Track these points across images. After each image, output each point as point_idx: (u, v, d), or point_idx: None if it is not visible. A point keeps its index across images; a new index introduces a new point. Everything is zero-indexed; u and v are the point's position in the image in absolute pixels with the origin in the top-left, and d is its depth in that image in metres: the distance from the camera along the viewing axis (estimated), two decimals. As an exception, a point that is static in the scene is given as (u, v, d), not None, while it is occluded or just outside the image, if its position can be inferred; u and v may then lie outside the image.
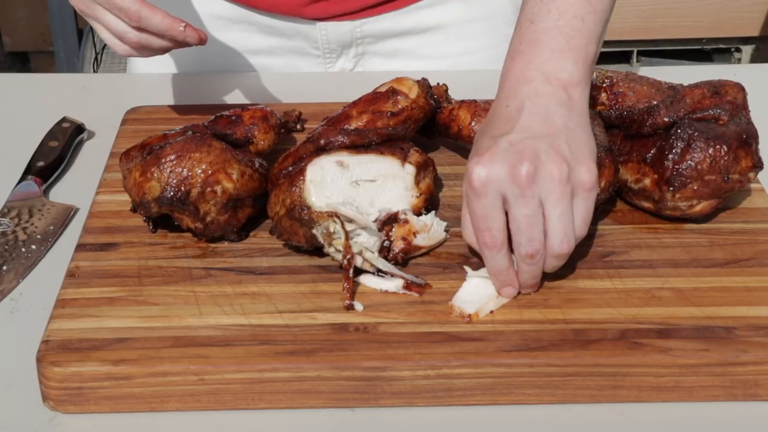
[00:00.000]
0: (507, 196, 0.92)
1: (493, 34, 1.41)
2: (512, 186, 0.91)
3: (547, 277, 0.99)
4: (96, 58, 2.48)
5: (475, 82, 1.33)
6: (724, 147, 1.04)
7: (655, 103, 1.10)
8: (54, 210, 1.14)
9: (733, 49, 3.09)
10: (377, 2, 1.35)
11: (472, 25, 1.40)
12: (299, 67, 1.41)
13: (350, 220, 1.00)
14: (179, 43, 1.10)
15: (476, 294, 0.96)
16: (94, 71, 2.70)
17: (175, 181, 1.01)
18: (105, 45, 2.47)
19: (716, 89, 1.09)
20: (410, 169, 1.04)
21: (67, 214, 1.13)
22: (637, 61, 3.11)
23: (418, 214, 1.04)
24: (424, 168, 1.06)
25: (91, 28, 2.09)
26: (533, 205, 0.91)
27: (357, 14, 1.36)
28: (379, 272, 0.99)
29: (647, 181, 1.07)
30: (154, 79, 1.42)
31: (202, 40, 1.10)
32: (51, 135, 1.23)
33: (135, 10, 1.06)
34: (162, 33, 1.08)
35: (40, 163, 1.19)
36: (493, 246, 0.94)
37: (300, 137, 1.22)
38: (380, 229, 1.01)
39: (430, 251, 1.04)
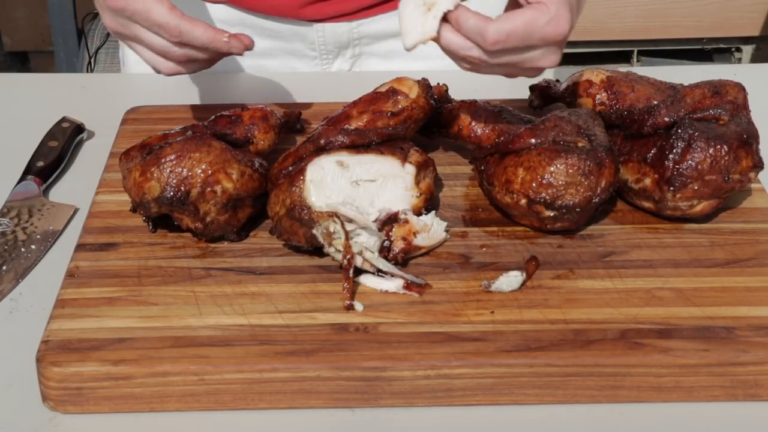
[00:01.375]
0: None
1: None
2: None
3: (547, 277, 0.99)
4: (89, 63, 2.48)
5: (475, 82, 1.33)
6: (725, 147, 1.04)
7: (655, 103, 1.10)
8: (54, 210, 1.14)
9: (733, 49, 3.09)
10: (374, 3, 1.35)
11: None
12: (296, 68, 1.41)
13: (350, 220, 1.00)
14: (223, 54, 1.08)
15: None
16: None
17: (174, 181, 1.01)
18: (98, 48, 2.47)
19: (717, 89, 1.08)
20: (410, 169, 1.04)
21: (67, 214, 1.13)
22: (637, 61, 3.11)
23: (418, 214, 1.04)
24: (424, 168, 1.06)
25: (90, 30, 2.08)
26: None
27: (354, 15, 1.36)
28: (379, 272, 0.99)
29: (647, 181, 1.07)
30: (154, 79, 1.42)
31: (249, 47, 1.08)
32: (51, 135, 1.23)
33: (175, 24, 1.04)
34: (205, 46, 1.06)
35: (40, 163, 1.19)
36: None
37: (300, 137, 1.22)
38: (380, 229, 1.01)
39: (430, 251, 1.04)
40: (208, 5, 1.36)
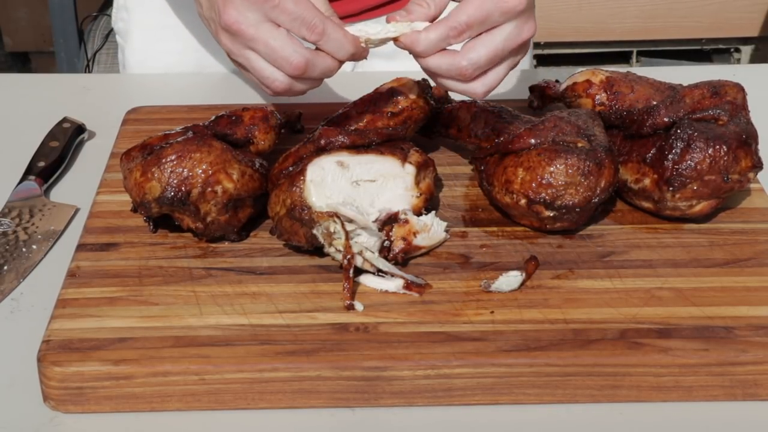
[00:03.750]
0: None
1: None
2: None
3: (546, 277, 0.99)
4: (90, 63, 2.48)
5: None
6: (724, 147, 1.04)
7: (654, 103, 1.10)
8: (55, 210, 1.14)
9: (732, 50, 3.10)
10: (377, 4, 1.35)
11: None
12: None
13: (350, 220, 1.00)
14: (342, 64, 1.01)
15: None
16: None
17: (175, 181, 1.01)
18: (98, 49, 2.47)
19: (716, 89, 1.09)
20: (410, 169, 1.05)
21: (68, 214, 1.13)
22: (637, 61, 3.12)
23: (418, 214, 1.04)
24: (424, 168, 1.06)
25: (91, 30, 2.07)
26: None
27: (357, 16, 1.36)
28: (379, 272, 0.99)
29: (647, 181, 1.07)
30: (154, 79, 1.42)
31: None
32: (51, 135, 1.23)
33: (320, 22, 0.97)
34: (345, 49, 0.99)
35: (41, 164, 1.19)
36: None
37: (300, 137, 1.22)
38: (380, 229, 1.01)
39: (430, 251, 1.04)
40: None
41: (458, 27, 0.98)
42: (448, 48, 1.00)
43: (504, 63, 1.01)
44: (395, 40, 1.01)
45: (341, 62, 1.01)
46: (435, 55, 1.00)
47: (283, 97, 1.02)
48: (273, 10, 0.97)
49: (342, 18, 1.35)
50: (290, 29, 0.98)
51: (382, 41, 1.02)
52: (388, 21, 1.01)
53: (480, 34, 0.99)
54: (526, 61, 1.55)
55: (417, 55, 1.01)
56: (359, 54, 1.01)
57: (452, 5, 1.01)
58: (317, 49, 1.00)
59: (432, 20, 1.01)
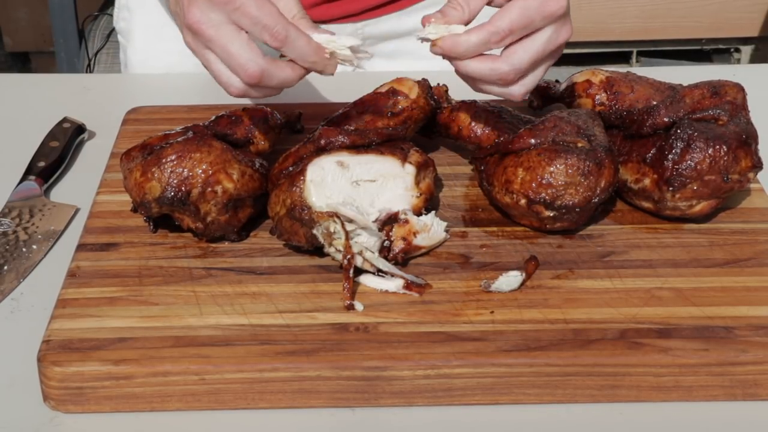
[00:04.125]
0: None
1: None
2: None
3: (546, 276, 0.99)
4: (90, 63, 2.48)
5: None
6: (724, 147, 1.04)
7: (654, 103, 1.10)
8: (55, 210, 1.14)
9: (732, 50, 3.10)
10: (379, 4, 1.35)
11: (472, 24, 1.40)
12: None
13: (350, 220, 1.00)
14: (303, 75, 0.99)
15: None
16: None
17: (175, 181, 1.01)
18: (99, 49, 2.47)
19: (716, 89, 1.09)
20: (410, 169, 1.05)
21: (68, 214, 1.13)
22: (637, 62, 3.12)
23: (418, 214, 1.04)
24: (424, 168, 1.06)
25: (91, 30, 2.07)
26: None
27: (359, 16, 1.36)
28: (379, 272, 0.99)
29: (647, 181, 1.07)
30: (154, 79, 1.42)
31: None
32: (52, 135, 1.23)
33: (282, 27, 0.95)
34: (306, 58, 0.97)
35: (41, 164, 1.19)
36: None
37: (300, 137, 1.22)
38: (380, 229, 1.01)
39: (430, 251, 1.04)
40: None
41: (501, 32, 0.98)
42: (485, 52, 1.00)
43: (542, 65, 1.01)
44: (432, 44, 1.00)
45: (304, 72, 0.99)
46: (475, 59, 0.99)
47: (253, 97, 1.01)
48: (234, 12, 0.95)
49: (342, 18, 1.36)
50: (251, 33, 0.96)
51: (348, 58, 1.00)
52: (423, 23, 1.00)
53: (520, 38, 0.99)
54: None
55: (455, 59, 1.00)
56: (322, 64, 0.98)
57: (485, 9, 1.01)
58: (282, 55, 0.99)
59: (466, 24, 1.00)
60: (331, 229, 0.98)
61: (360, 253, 0.99)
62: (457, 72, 1.01)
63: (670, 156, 1.05)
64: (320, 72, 0.99)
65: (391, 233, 1.02)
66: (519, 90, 1.01)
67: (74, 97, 1.37)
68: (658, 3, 2.95)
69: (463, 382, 0.91)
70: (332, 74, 1.00)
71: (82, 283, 0.99)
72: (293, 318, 0.94)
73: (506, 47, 0.99)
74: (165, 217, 1.05)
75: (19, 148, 1.23)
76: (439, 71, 1.30)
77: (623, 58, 3.11)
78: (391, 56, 1.41)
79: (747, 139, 1.06)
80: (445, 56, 1.00)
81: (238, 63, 0.96)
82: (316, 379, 0.90)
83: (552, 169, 1.02)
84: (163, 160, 1.01)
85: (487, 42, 0.98)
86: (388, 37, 1.39)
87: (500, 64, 0.99)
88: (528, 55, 0.99)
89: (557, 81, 1.25)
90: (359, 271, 0.99)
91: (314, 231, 0.99)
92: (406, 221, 1.02)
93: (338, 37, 1.00)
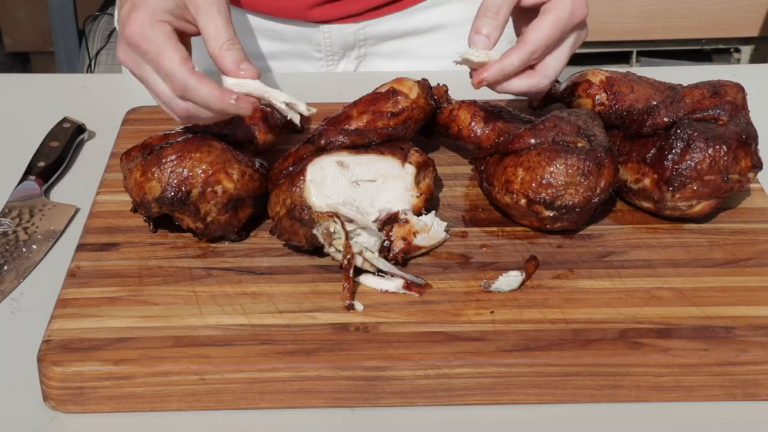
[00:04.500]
0: None
1: None
2: None
3: (546, 276, 0.99)
4: (90, 64, 2.48)
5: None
6: (724, 147, 1.04)
7: (654, 103, 1.10)
8: (55, 210, 1.14)
9: (732, 50, 3.09)
10: (381, 4, 1.35)
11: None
12: (301, 70, 1.41)
13: (350, 220, 1.00)
14: (229, 115, 1.00)
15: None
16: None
17: (175, 181, 1.01)
18: (99, 50, 2.47)
19: (716, 89, 1.09)
20: (410, 169, 1.05)
21: (68, 214, 1.13)
22: (637, 62, 3.11)
23: (418, 214, 1.04)
24: (424, 168, 1.06)
25: (91, 30, 2.08)
26: None
27: (361, 16, 1.36)
28: (379, 272, 0.99)
29: (647, 181, 1.07)
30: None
31: (255, 105, 0.99)
32: (52, 135, 1.23)
33: (182, 77, 0.96)
34: (210, 106, 0.97)
35: (41, 164, 1.19)
36: None
37: (300, 137, 1.22)
38: (380, 229, 1.01)
39: (430, 251, 1.04)
40: None
41: (539, 50, 1.04)
42: None
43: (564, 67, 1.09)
44: (477, 75, 1.04)
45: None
46: (516, 78, 1.05)
47: None
48: (144, 56, 0.98)
49: (344, 18, 1.36)
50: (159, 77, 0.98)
51: (282, 109, 1.00)
52: (471, 44, 1.04)
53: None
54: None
55: (499, 82, 1.05)
56: (228, 109, 0.97)
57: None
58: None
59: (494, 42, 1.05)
60: (331, 229, 0.98)
61: (360, 253, 0.99)
62: (495, 90, 1.06)
63: (670, 156, 1.05)
64: (236, 114, 0.99)
65: (391, 233, 1.02)
66: (546, 86, 1.08)
67: (74, 97, 1.37)
68: (658, 3, 2.94)
69: (463, 382, 0.91)
70: (248, 114, 0.99)
71: (82, 283, 0.99)
72: (293, 318, 0.95)
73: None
74: (165, 217, 1.05)
75: (19, 148, 1.23)
76: (439, 71, 1.30)
77: (623, 58, 3.11)
78: (392, 56, 1.41)
79: (747, 139, 1.06)
80: (488, 83, 1.04)
81: (166, 71, 0.97)
82: (316, 379, 0.90)
83: (552, 169, 1.02)
84: (163, 160, 1.01)
85: (528, 61, 1.04)
86: (389, 37, 1.39)
87: (538, 79, 1.05)
88: (560, 65, 1.06)
89: (557, 81, 1.25)
90: (359, 271, 0.99)
91: (314, 231, 0.99)
92: (406, 221, 1.02)
93: (262, 85, 0.99)
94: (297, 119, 1.01)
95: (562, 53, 1.06)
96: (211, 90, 0.96)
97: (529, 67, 1.06)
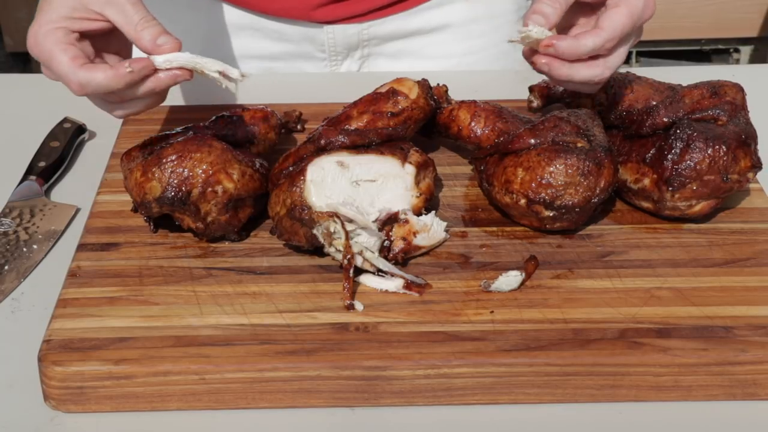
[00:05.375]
0: None
1: (496, 32, 1.42)
2: None
3: (546, 276, 1.00)
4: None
5: (475, 82, 1.33)
6: (723, 147, 1.04)
7: (654, 103, 1.10)
8: (55, 210, 1.14)
9: (731, 50, 3.10)
10: (384, 4, 1.35)
11: (475, 24, 1.41)
12: (305, 70, 1.41)
13: (350, 220, 1.00)
14: (157, 89, 1.00)
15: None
16: None
17: (176, 181, 1.01)
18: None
19: (715, 90, 1.09)
20: (410, 169, 1.05)
21: (69, 214, 1.14)
22: (636, 62, 3.12)
23: (418, 214, 1.04)
24: (424, 168, 1.06)
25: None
26: None
27: (364, 17, 1.36)
28: (379, 272, 0.99)
29: (646, 181, 1.07)
30: (154, 79, 1.42)
31: (183, 78, 0.99)
32: (52, 135, 1.24)
33: (73, 77, 0.98)
34: (112, 88, 0.98)
35: (42, 164, 1.19)
36: None
37: (300, 137, 1.22)
38: (380, 229, 1.02)
39: (430, 251, 1.04)
40: (220, 9, 1.36)
41: (614, 39, 1.02)
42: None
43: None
44: (544, 44, 1.01)
45: (126, 72, 0.98)
46: (584, 65, 1.02)
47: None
48: (43, 64, 1.00)
49: (348, 19, 1.36)
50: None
51: (217, 79, 1.01)
52: (526, 22, 1.02)
53: None
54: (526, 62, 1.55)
55: (565, 59, 1.01)
56: (133, 83, 0.98)
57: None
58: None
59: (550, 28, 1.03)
60: (331, 229, 0.98)
61: (360, 253, 0.99)
62: (555, 76, 1.03)
63: (669, 156, 1.05)
64: (154, 89, 1.00)
65: (391, 233, 1.02)
66: (604, 81, 1.06)
67: (74, 97, 1.37)
68: (658, 3, 2.94)
69: (463, 382, 0.91)
70: (171, 84, 1.00)
71: (83, 283, 0.99)
72: (293, 318, 0.95)
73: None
74: (165, 217, 1.05)
75: (20, 148, 1.23)
76: (439, 71, 1.31)
77: (623, 58, 3.11)
78: (394, 56, 1.41)
79: (746, 139, 1.06)
80: (558, 52, 1.01)
81: (59, 75, 0.99)
82: (316, 379, 0.90)
83: (552, 169, 1.02)
84: (164, 160, 1.01)
85: (600, 49, 1.01)
86: (392, 37, 1.39)
87: (603, 69, 1.03)
88: (621, 60, 1.04)
89: (557, 81, 1.25)
90: (359, 271, 0.99)
91: (314, 231, 0.99)
92: (406, 221, 1.02)
93: (193, 59, 1.00)
94: (232, 87, 1.01)
95: (625, 49, 1.04)
96: (104, 74, 0.97)
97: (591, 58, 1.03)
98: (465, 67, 1.41)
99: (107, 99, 1.02)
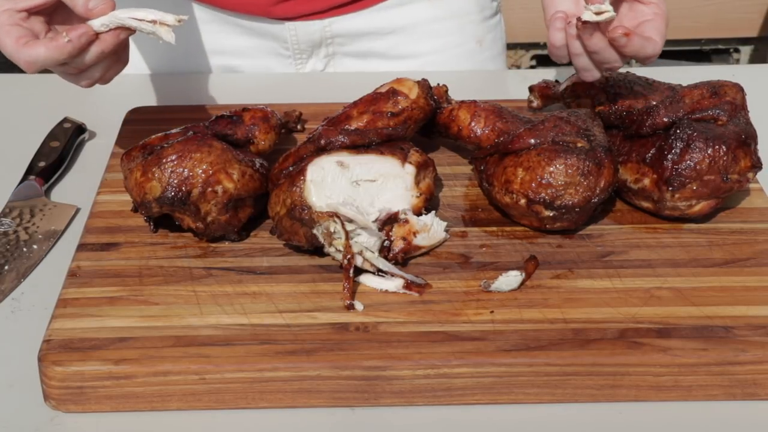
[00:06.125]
0: None
1: (460, 32, 1.42)
2: None
3: (546, 276, 1.00)
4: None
5: (474, 82, 1.33)
6: (723, 147, 1.04)
7: (654, 103, 1.10)
8: (55, 210, 1.14)
9: (731, 50, 3.10)
10: (344, 2, 1.35)
11: (439, 24, 1.41)
12: (271, 67, 1.41)
13: (350, 220, 1.00)
14: (100, 56, 1.01)
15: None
16: None
17: (176, 181, 1.01)
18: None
19: (715, 90, 1.09)
20: (410, 169, 1.05)
21: (69, 214, 1.14)
22: (637, 61, 3.11)
23: (418, 214, 1.04)
24: (424, 168, 1.06)
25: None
26: None
27: (325, 14, 1.36)
28: (379, 272, 0.99)
29: (647, 181, 1.07)
30: (154, 79, 1.42)
31: (121, 38, 1.00)
32: (52, 135, 1.24)
33: (17, 56, 0.98)
34: (57, 59, 0.99)
35: (42, 164, 1.19)
36: None
37: (300, 137, 1.22)
38: (380, 229, 1.02)
39: (430, 251, 1.04)
40: (192, 4, 1.36)
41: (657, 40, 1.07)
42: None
43: None
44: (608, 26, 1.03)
45: (64, 43, 0.99)
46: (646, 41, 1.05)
47: None
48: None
49: (309, 15, 1.35)
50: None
51: (149, 29, 1.00)
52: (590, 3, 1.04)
53: None
54: (526, 61, 1.55)
55: (626, 54, 1.05)
56: (75, 51, 0.99)
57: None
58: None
59: None
60: (331, 229, 0.98)
61: (360, 253, 0.99)
62: (628, 47, 1.05)
63: (669, 156, 1.05)
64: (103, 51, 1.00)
65: (391, 233, 1.02)
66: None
67: (74, 97, 1.37)
68: (657, 3, 2.94)
69: (463, 382, 0.91)
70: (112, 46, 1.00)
71: (83, 283, 0.99)
72: (293, 318, 0.95)
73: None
74: (165, 217, 1.05)
75: (20, 148, 1.23)
76: (439, 71, 1.31)
77: (623, 58, 3.11)
78: (361, 56, 1.41)
79: (746, 139, 1.06)
80: (619, 40, 1.03)
81: (15, 61, 0.99)
82: (316, 379, 0.90)
83: (552, 169, 1.02)
84: (164, 160, 1.01)
85: (654, 57, 1.07)
86: (356, 35, 1.39)
87: (654, 45, 1.06)
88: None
89: (557, 81, 1.25)
90: (359, 271, 0.99)
91: (314, 231, 0.99)
92: (406, 221, 1.02)
93: (127, 16, 1.00)
94: (170, 37, 1.00)
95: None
96: (45, 48, 0.98)
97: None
98: (431, 67, 1.40)
99: (66, 71, 1.03)
